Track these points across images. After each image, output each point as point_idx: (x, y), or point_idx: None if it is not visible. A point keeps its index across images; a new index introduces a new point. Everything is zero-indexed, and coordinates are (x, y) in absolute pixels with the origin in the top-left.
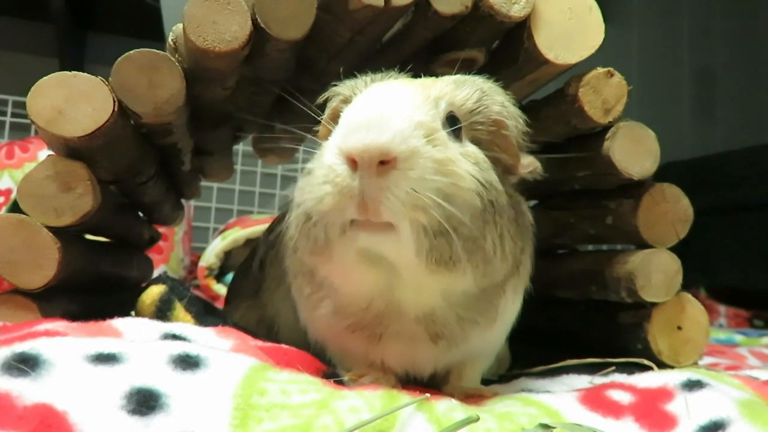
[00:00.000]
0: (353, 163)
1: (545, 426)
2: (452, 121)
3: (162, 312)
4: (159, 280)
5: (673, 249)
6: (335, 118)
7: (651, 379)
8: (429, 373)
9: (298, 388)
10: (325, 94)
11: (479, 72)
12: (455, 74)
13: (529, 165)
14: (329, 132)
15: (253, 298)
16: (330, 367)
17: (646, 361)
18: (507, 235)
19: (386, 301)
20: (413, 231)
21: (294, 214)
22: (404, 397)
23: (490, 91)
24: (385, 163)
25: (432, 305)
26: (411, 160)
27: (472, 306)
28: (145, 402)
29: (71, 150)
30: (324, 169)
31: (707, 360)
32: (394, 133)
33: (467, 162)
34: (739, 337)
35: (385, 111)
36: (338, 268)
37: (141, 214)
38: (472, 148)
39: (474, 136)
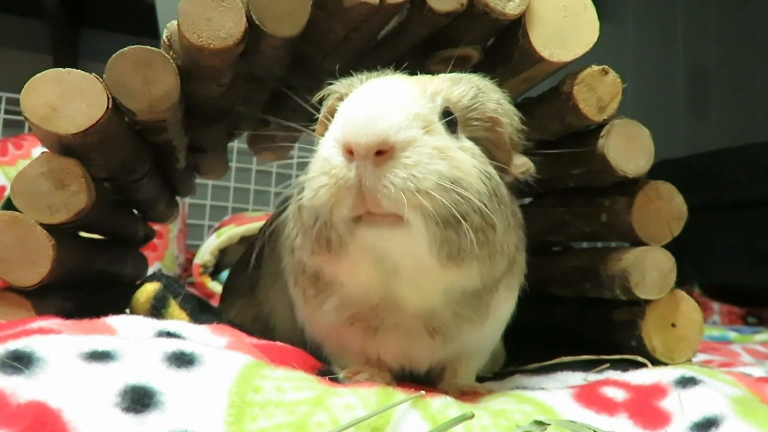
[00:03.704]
0: (350, 153)
1: (540, 423)
2: (448, 116)
3: (156, 309)
4: (153, 277)
5: (667, 246)
6: (331, 116)
7: (645, 376)
8: (425, 368)
9: (293, 385)
10: (321, 92)
11: (474, 70)
12: (450, 72)
13: (522, 165)
14: (326, 129)
15: (249, 295)
16: (325, 365)
17: (640, 358)
18: (510, 228)
19: (380, 296)
20: (424, 221)
21: (291, 210)
22: (399, 394)
23: (485, 89)
24: (382, 153)
25: (432, 302)
26: (408, 149)
27: (466, 303)
28: (139, 400)
29: (65, 147)
30: (320, 162)
31: (701, 357)
32: (392, 123)
33: (465, 154)
34: (732, 335)
35: (382, 103)
36: (348, 267)
37: (135, 211)
38: (468, 143)
39: (470, 132)
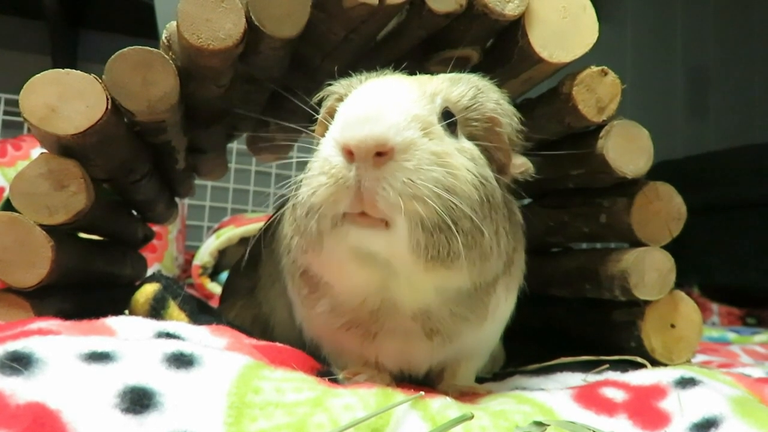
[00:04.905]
0: (349, 154)
1: (539, 424)
2: (448, 117)
3: (156, 310)
4: (153, 278)
5: (666, 247)
6: (331, 116)
7: (644, 377)
8: (424, 370)
9: (293, 386)
10: (321, 93)
11: (474, 70)
12: (450, 72)
13: (521, 165)
14: (326, 129)
15: (248, 296)
16: (324, 366)
17: (639, 359)
18: (502, 232)
19: (381, 298)
20: (409, 226)
21: (288, 209)
22: (399, 395)
23: (485, 89)
24: (381, 154)
25: (427, 301)
26: (408, 152)
27: (463, 302)
28: (138, 400)
29: (64, 148)
30: (320, 162)
31: (700, 358)
32: (391, 124)
33: (463, 157)
34: (731, 335)
35: (381, 104)
36: (329, 264)
37: (135, 212)
38: (467, 144)
39: (469, 132)
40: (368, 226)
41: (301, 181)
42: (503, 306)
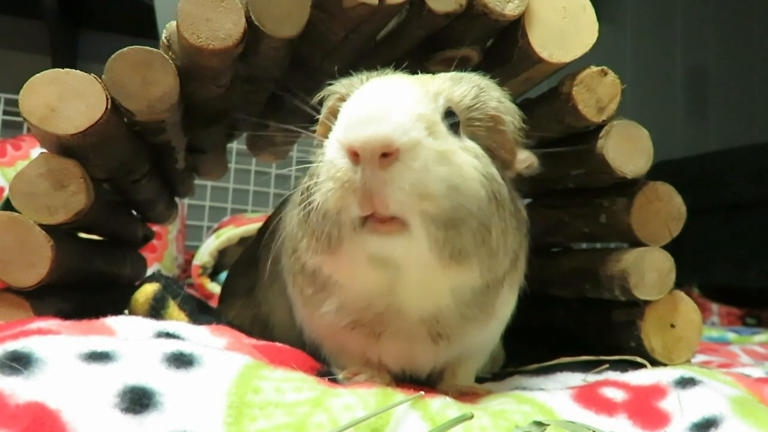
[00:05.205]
0: (355, 156)
1: (539, 423)
2: (450, 117)
3: (156, 310)
4: (153, 278)
5: (666, 247)
6: (333, 116)
7: (644, 377)
8: (427, 371)
9: (293, 386)
10: (322, 93)
11: (474, 70)
12: (451, 72)
13: (525, 160)
14: (327, 129)
15: (248, 296)
16: (324, 366)
17: (639, 359)
18: (509, 229)
19: (386, 303)
20: (424, 224)
21: (294, 213)
22: (399, 395)
23: (487, 88)
24: (387, 155)
25: (440, 304)
26: (413, 152)
27: (474, 302)
28: (138, 400)
29: (64, 148)
30: (326, 166)
31: (700, 358)
32: (396, 124)
33: (468, 155)
34: (731, 335)
35: (385, 104)
36: (345, 267)
37: (134, 212)
38: (470, 144)
39: (472, 131)
40: (388, 234)
41: (306, 184)
42: (506, 304)
